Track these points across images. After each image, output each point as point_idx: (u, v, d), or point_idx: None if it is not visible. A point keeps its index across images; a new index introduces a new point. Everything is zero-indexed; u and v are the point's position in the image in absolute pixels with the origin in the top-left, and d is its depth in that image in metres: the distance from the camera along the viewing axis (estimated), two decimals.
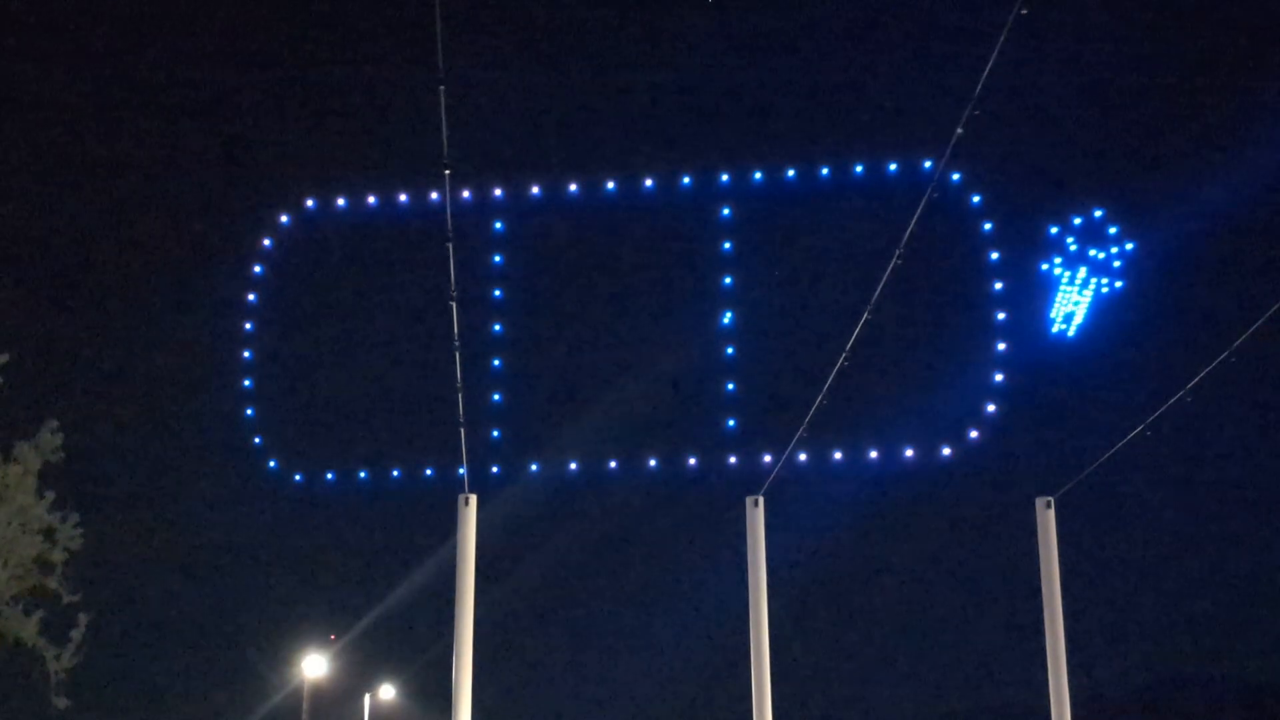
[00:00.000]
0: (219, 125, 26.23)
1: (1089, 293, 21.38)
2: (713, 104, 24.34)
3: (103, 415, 24.56)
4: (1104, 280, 21.21)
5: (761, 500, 21.74)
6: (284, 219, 25.65)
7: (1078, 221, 21.59)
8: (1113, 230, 21.55)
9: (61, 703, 19.89)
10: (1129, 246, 21.39)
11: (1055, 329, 21.82)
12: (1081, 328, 21.69)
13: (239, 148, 26.13)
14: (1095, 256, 21.33)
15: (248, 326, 25.46)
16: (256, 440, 25.22)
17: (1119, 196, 21.79)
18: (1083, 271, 21.44)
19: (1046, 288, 21.79)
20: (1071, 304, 21.40)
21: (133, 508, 24.58)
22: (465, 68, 23.86)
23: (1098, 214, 21.59)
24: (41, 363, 23.35)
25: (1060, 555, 21.98)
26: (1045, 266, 21.57)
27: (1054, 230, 21.62)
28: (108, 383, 25.18)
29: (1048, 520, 22.24)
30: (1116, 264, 21.44)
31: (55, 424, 20.16)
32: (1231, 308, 20.09)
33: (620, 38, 24.56)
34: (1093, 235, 21.73)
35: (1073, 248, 21.46)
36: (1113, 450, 20.70)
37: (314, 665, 24.82)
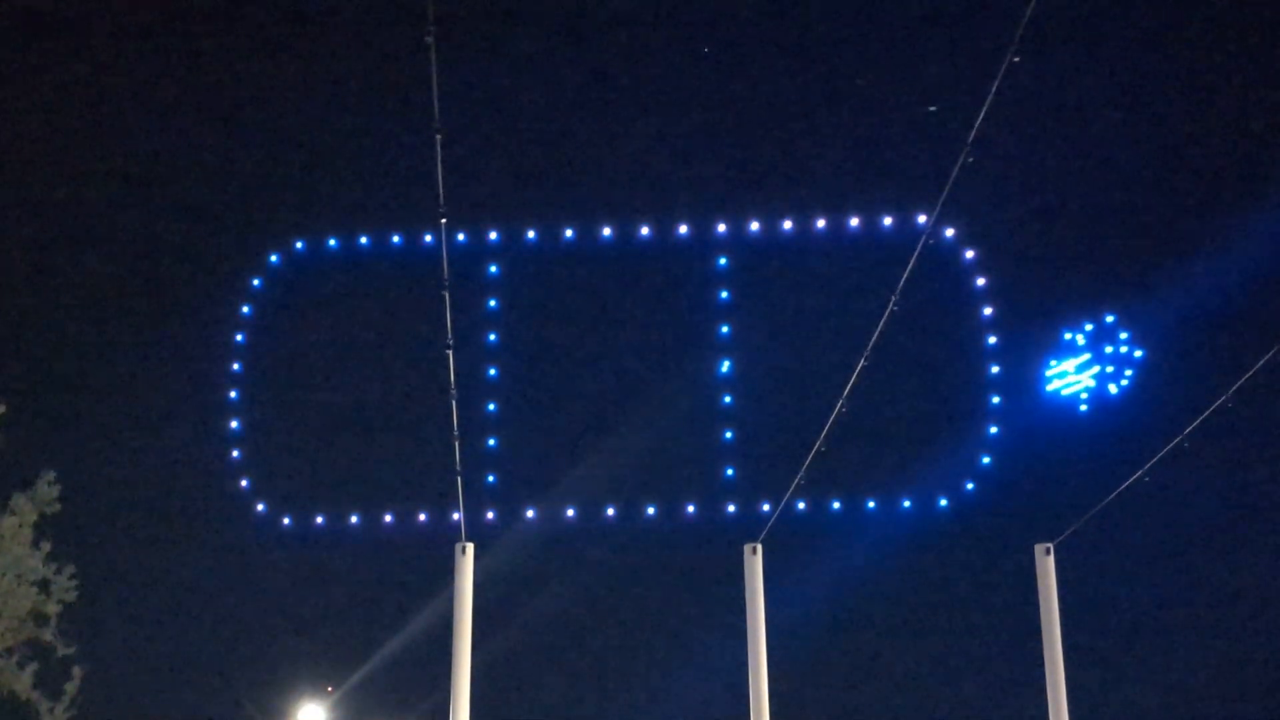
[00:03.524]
0: (207, 163, 27.23)
1: (1090, 380, 22.81)
2: (709, 154, 25.47)
3: (97, 464, 25.45)
4: (1110, 383, 22.62)
5: (760, 548, 22.65)
6: (273, 258, 26.71)
7: (1089, 327, 22.99)
8: (1124, 335, 22.94)
9: None
10: (1138, 354, 22.76)
11: (1049, 388, 23.22)
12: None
13: (226, 186, 27.12)
14: (1105, 368, 22.67)
15: (235, 367, 26.48)
16: (244, 483, 26.26)
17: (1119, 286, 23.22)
18: (1086, 357, 22.87)
19: (1042, 348, 23.27)
20: (1075, 386, 22.85)
21: (127, 558, 25.48)
22: (462, 111, 25.06)
23: (1109, 319, 22.96)
24: (38, 414, 24.25)
25: (1060, 603, 23.00)
26: (1054, 364, 22.93)
27: (1067, 336, 23.03)
28: (102, 431, 26.10)
29: (1047, 567, 23.18)
30: (1128, 372, 22.81)
31: (52, 476, 20.73)
32: (1229, 359, 21.20)
33: (618, 85, 25.67)
34: (1103, 338, 23.17)
35: (1080, 342, 22.86)
36: (1111, 496, 21.65)
37: (311, 716, 25.60)
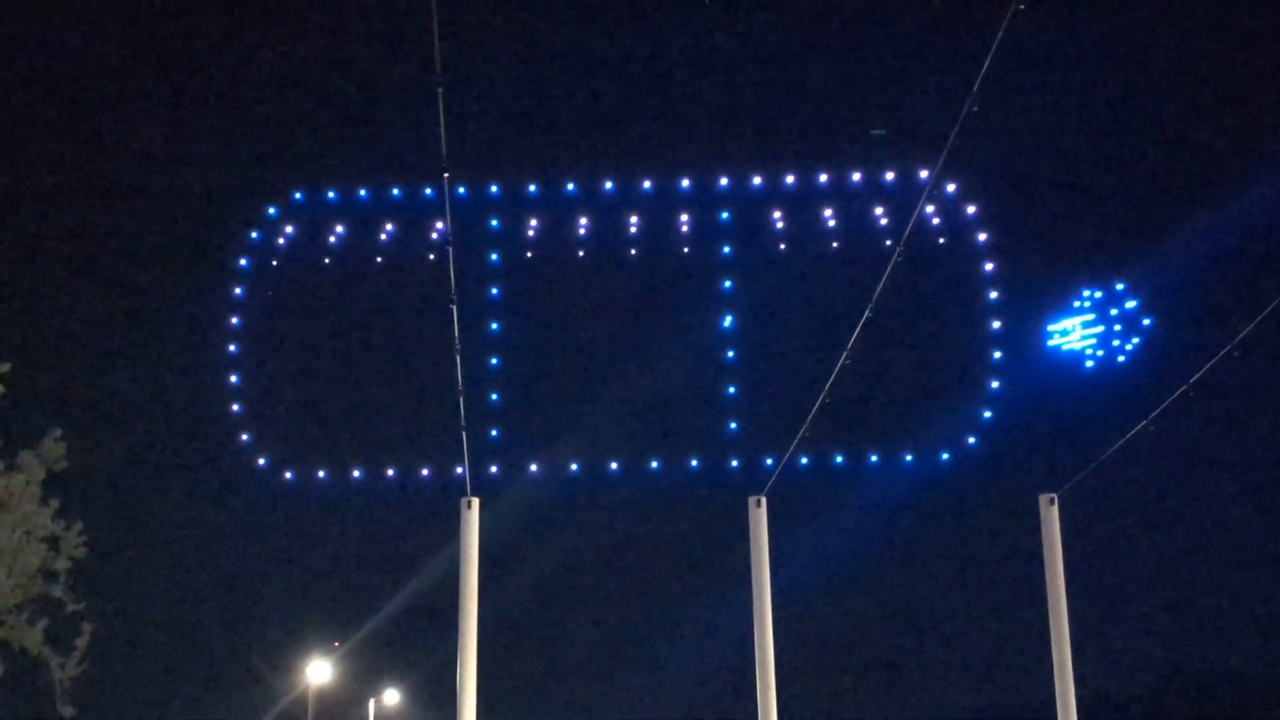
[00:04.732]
0: (203, 113, 27.74)
1: (1094, 339, 23.52)
2: (712, 109, 25.94)
3: (103, 421, 26.04)
4: (1114, 343, 23.30)
5: (764, 500, 23.23)
6: (270, 210, 27.10)
7: (1098, 294, 23.66)
8: (1131, 304, 23.57)
9: (67, 712, 21.20)
10: (1146, 322, 23.38)
11: (1051, 344, 23.91)
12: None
13: (222, 137, 27.64)
14: (1113, 327, 23.35)
15: (234, 321, 26.94)
16: (245, 438, 26.81)
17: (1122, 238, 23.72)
18: (1090, 316, 23.55)
19: (1044, 304, 23.93)
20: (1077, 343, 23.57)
21: (134, 514, 26.16)
22: (462, 62, 25.45)
23: (1120, 286, 23.61)
24: (43, 370, 24.82)
25: (1064, 554, 23.67)
26: (1054, 327, 23.61)
27: (1075, 304, 23.69)
28: (106, 387, 26.67)
29: (1051, 516, 23.84)
30: (1135, 339, 23.45)
31: (58, 432, 21.25)
32: (1230, 307, 21.76)
33: (621, 41, 26.05)
34: (1110, 301, 23.82)
35: (1087, 304, 23.53)
36: (1116, 446, 22.26)
37: (318, 671, 26.27)
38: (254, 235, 26.95)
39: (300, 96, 27.37)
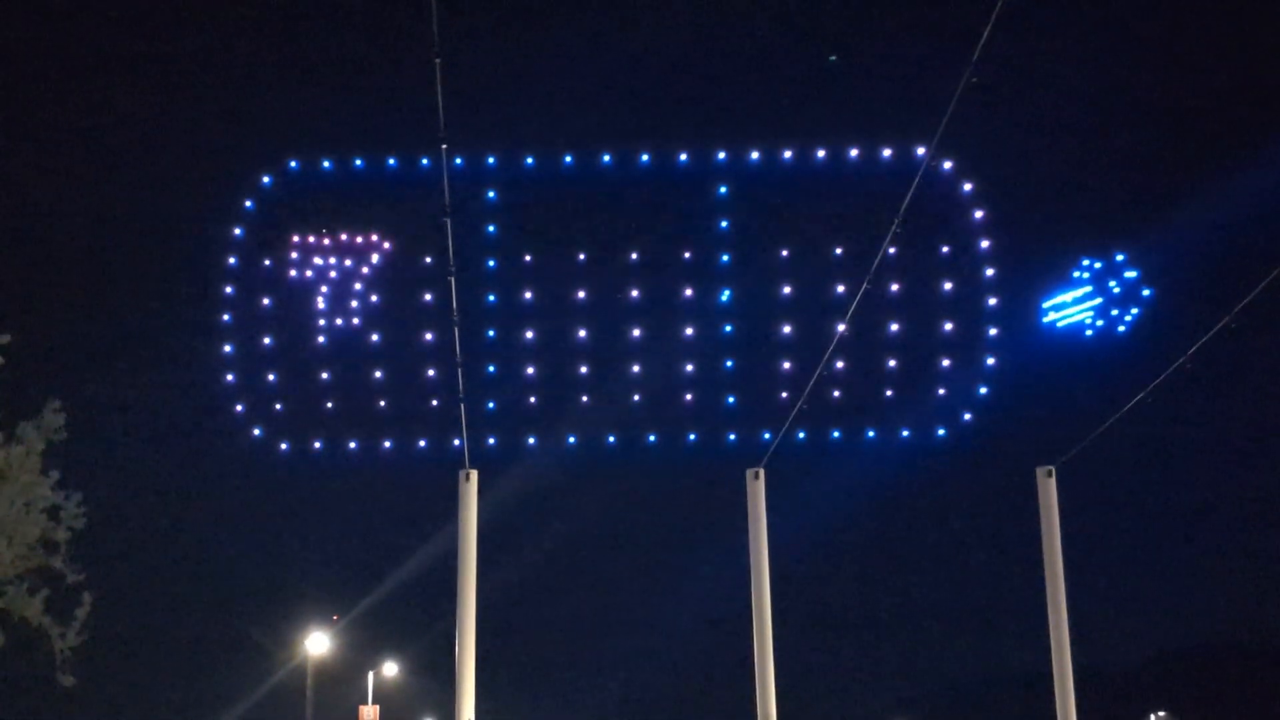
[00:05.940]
0: (197, 81, 28.17)
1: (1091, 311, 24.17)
2: (710, 83, 26.38)
3: (102, 392, 26.47)
4: (1115, 312, 23.92)
5: (762, 473, 23.74)
6: (266, 179, 27.48)
7: (1098, 265, 24.24)
8: (1131, 275, 24.15)
9: (68, 680, 21.80)
10: (1146, 293, 23.96)
11: (1047, 320, 24.55)
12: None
13: (216, 104, 28.07)
14: (1111, 304, 23.97)
15: (228, 290, 27.38)
16: (239, 408, 27.31)
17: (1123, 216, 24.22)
18: (1085, 290, 24.19)
19: (1039, 281, 24.55)
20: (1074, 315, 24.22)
21: (133, 486, 26.68)
22: (460, 33, 25.87)
23: (1120, 258, 24.20)
24: (41, 344, 25.24)
25: (1060, 527, 24.26)
26: (1051, 303, 24.23)
27: (1075, 274, 24.28)
28: (104, 358, 27.09)
29: (1049, 489, 24.39)
30: (1135, 310, 24.05)
31: (57, 404, 21.68)
32: (1230, 278, 22.23)
33: (620, 14, 26.46)
34: (1107, 274, 24.42)
35: (1085, 275, 24.13)
36: (1113, 419, 22.81)
37: (317, 643, 26.79)
38: (248, 204, 27.21)
39: (297, 66, 27.78)
